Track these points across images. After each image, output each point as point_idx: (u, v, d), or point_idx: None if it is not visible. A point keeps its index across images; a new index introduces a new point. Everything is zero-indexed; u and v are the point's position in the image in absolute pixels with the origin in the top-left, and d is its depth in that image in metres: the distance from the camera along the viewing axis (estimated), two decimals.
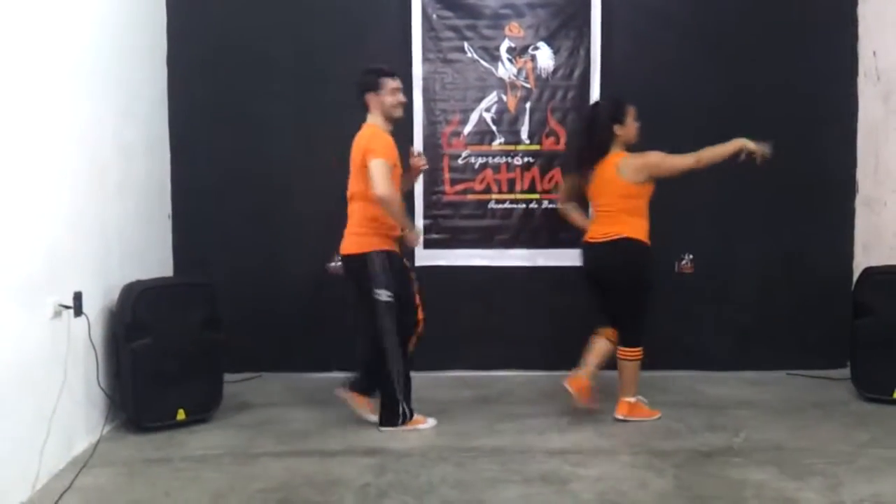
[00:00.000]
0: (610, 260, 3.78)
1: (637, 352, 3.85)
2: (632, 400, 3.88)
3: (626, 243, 3.73)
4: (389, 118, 3.73)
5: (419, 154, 4.00)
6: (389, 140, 3.66)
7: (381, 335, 3.65)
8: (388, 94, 3.70)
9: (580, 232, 4.04)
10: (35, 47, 3.11)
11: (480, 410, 4.06)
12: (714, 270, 4.80)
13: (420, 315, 3.84)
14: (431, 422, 3.79)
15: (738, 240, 4.79)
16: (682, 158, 3.75)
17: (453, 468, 3.23)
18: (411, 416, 3.74)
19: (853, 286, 4.35)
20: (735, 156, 3.73)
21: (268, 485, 3.07)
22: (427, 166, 4.01)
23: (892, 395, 4.03)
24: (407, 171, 3.88)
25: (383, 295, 3.62)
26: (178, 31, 4.66)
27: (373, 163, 3.52)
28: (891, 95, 4.46)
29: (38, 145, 3.11)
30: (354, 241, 3.68)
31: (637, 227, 3.76)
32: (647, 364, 4.69)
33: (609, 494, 2.96)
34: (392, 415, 3.70)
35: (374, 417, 3.77)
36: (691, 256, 4.80)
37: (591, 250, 3.86)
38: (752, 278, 4.79)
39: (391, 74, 3.73)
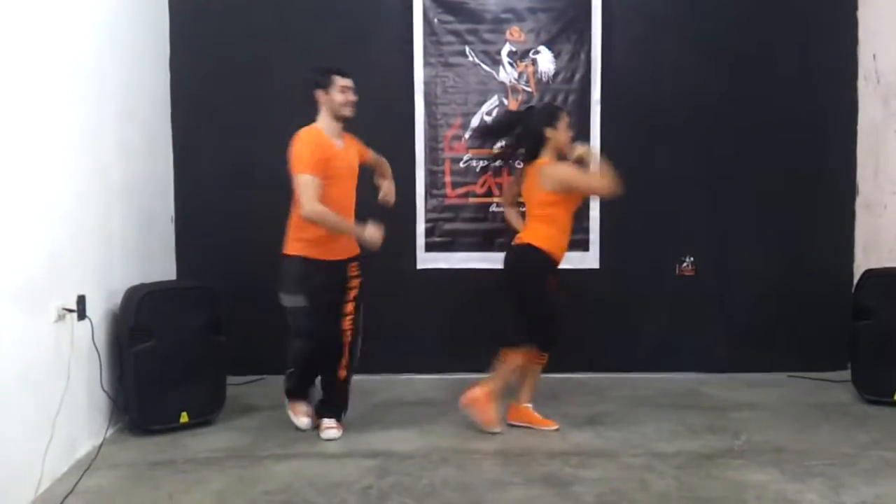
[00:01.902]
0: (510, 264, 3.79)
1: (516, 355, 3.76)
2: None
3: (524, 249, 3.70)
4: (338, 117, 3.66)
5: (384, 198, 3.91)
6: (318, 144, 3.56)
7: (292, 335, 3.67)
8: (338, 92, 3.63)
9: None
10: (37, 49, 3.12)
11: None
12: (715, 273, 4.81)
13: (345, 325, 3.69)
14: (304, 422, 3.76)
15: (739, 242, 4.80)
16: (596, 183, 3.72)
17: (455, 470, 3.25)
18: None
19: (853, 288, 4.36)
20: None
21: (271, 487, 3.08)
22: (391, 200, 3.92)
23: (892, 397, 4.03)
24: (338, 174, 3.70)
25: (285, 300, 3.59)
26: (181, 33, 4.68)
27: (298, 179, 3.48)
28: (891, 98, 4.48)
29: (40, 148, 3.12)
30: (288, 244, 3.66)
31: (543, 236, 3.70)
32: (649, 366, 4.74)
33: (610, 496, 2.97)
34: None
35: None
36: (692, 259, 4.81)
37: (506, 252, 3.88)
38: (752, 281, 4.79)
39: (343, 73, 3.67)
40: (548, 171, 3.71)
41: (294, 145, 3.55)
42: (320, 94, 3.65)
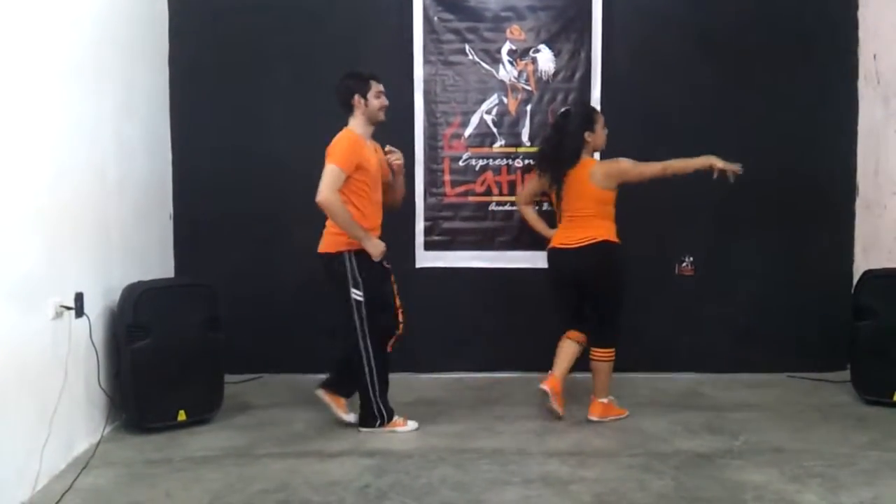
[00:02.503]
0: (590, 262, 3.81)
1: (612, 353, 3.88)
2: (605, 401, 3.90)
3: (607, 246, 3.81)
4: (373, 121, 3.71)
5: (390, 150, 3.84)
6: (356, 146, 3.61)
7: (356, 335, 3.63)
8: (374, 96, 3.68)
9: (538, 236, 4.23)
10: (35, 45, 3.11)
11: (480, 412, 4.06)
12: (714, 273, 4.80)
13: (400, 317, 3.79)
14: (412, 424, 3.76)
15: (739, 242, 4.79)
16: (650, 166, 3.87)
17: (453, 469, 3.24)
18: (390, 417, 3.73)
19: (853, 289, 4.36)
20: (705, 171, 3.84)
21: (268, 485, 3.08)
22: (401, 161, 3.83)
23: (891, 397, 4.03)
24: (392, 180, 3.85)
25: (356, 294, 3.61)
26: (180, 30, 4.67)
27: (326, 167, 3.52)
28: (891, 98, 4.47)
29: (38, 145, 3.11)
30: (329, 240, 3.66)
31: (611, 231, 3.86)
32: (648, 366, 4.73)
33: (608, 496, 2.96)
34: (369, 416, 3.70)
35: (351, 418, 3.77)
36: (691, 258, 4.81)
37: (565, 256, 3.87)
38: (752, 281, 4.79)
39: (377, 78, 3.73)
40: (603, 170, 3.86)
41: (336, 141, 3.60)
42: (358, 100, 3.67)
